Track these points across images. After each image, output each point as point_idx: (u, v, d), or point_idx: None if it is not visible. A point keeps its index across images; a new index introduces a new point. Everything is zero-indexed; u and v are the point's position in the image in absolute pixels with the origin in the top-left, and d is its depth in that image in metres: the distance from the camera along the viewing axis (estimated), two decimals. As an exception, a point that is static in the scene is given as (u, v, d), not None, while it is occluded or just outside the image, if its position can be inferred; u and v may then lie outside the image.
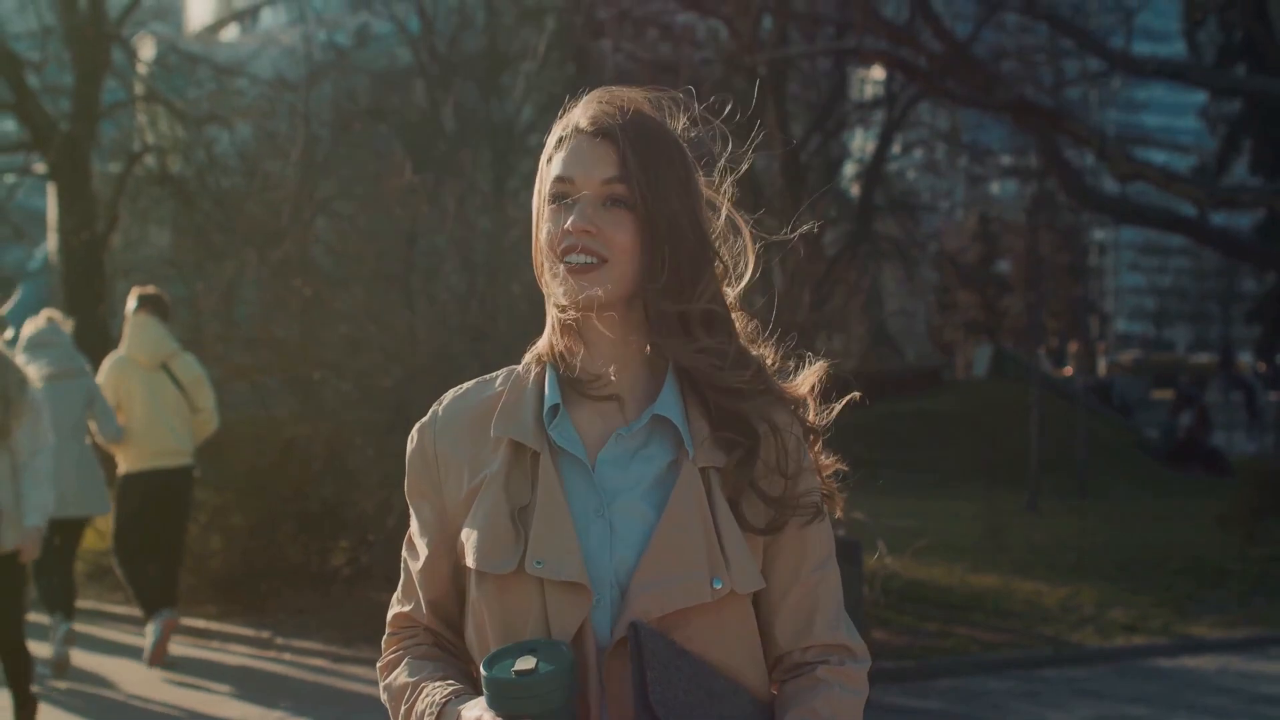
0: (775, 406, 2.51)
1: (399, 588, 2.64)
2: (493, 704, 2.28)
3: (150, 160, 25.21)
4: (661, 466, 2.44)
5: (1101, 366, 53.36)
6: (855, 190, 43.37)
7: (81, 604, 11.91)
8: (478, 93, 32.98)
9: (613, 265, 2.42)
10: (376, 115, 34.56)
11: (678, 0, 18.99)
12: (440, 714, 2.40)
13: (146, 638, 10.69)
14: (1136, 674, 11.22)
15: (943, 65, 16.78)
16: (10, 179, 28.45)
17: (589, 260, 2.41)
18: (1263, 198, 16.66)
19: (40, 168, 25.98)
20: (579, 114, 2.52)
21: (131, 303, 10.78)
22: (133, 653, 11.30)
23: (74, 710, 9.57)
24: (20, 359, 9.51)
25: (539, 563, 2.34)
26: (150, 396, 10.43)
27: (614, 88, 2.57)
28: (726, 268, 2.57)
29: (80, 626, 11.33)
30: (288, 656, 11.33)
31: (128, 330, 10.72)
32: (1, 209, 29.19)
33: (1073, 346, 53.74)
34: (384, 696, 2.58)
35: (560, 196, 2.45)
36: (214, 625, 12.19)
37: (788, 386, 2.58)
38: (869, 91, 42.27)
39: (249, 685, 10.36)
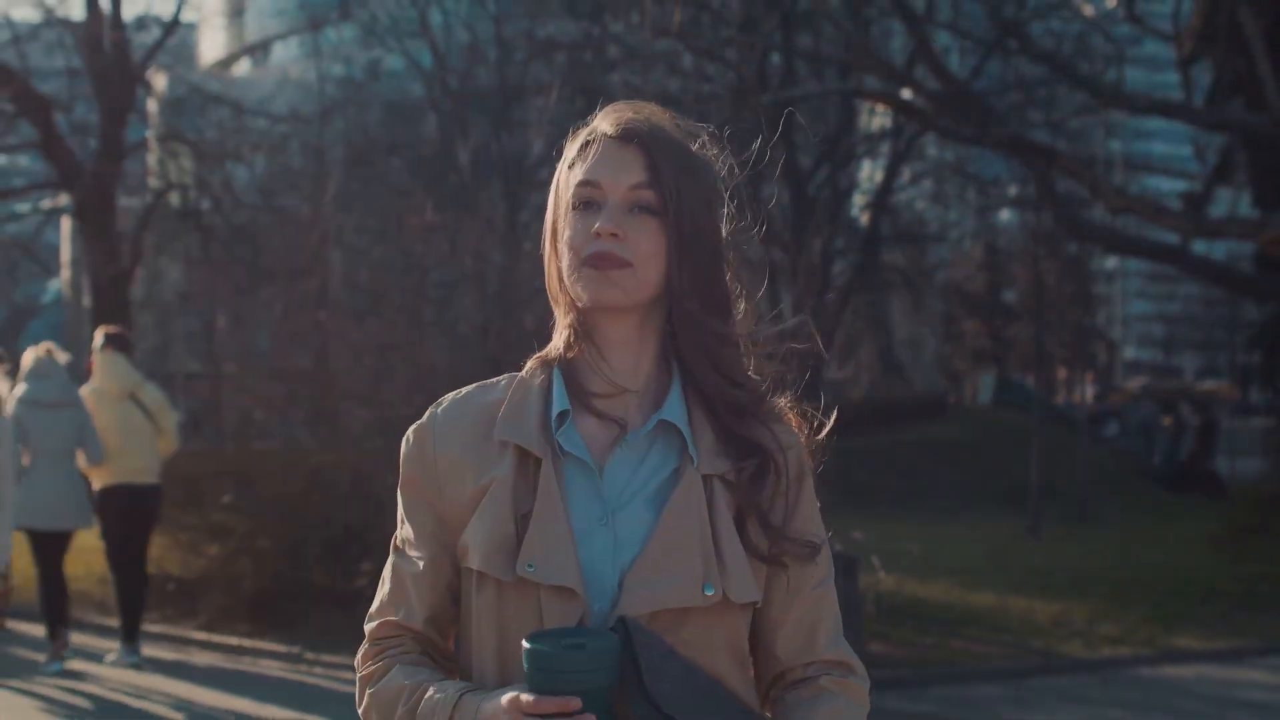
0: (781, 428, 2.53)
1: (383, 597, 2.57)
2: (533, 679, 2.23)
3: (174, 197, 25.82)
4: (666, 473, 2.45)
5: (1089, 393, 53.64)
6: (866, 220, 43.76)
7: (115, 622, 12.62)
8: (489, 127, 33.49)
9: (637, 270, 2.41)
10: (390, 149, 35.06)
11: (683, 43, 19.55)
12: (457, 704, 2.35)
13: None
14: (1120, 682, 11.85)
15: (940, 104, 17.37)
16: (38, 217, 29.15)
17: (614, 263, 2.40)
18: (1248, 230, 17.23)
19: (53, 202, 26.70)
20: (603, 121, 2.51)
21: (99, 340, 11.80)
22: (166, 666, 11.97)
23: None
24: (20, 387, 10.97)
25: (530, 566, 2.34)
26: (122, 422, 11.52)
27: (632, 102, 2.57)
28: (741, 287, 2.58)
29: (104, 643, 12.18)
30: (318, 670, 11.95)
31: (96, 365, 11.73)
32: (28, 246, 29.94)
33: (1060, 374, 53.98)
34: (367, 706, 2.50)
35: (586, 201, 2.44)
36: (246, 642, 12.83)
37: (786, 413, 2.58)
38: (876, 123, 42.65)
39: (282, 695, 10.99)
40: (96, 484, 11.60)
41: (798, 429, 2.57)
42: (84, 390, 11.68)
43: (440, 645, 2.55)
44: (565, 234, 2.46)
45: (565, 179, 2.50)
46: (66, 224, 36.98)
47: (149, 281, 32.37)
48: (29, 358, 11.43)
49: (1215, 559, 17.32)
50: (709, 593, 2.36)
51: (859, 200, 46.54)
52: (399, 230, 17.80)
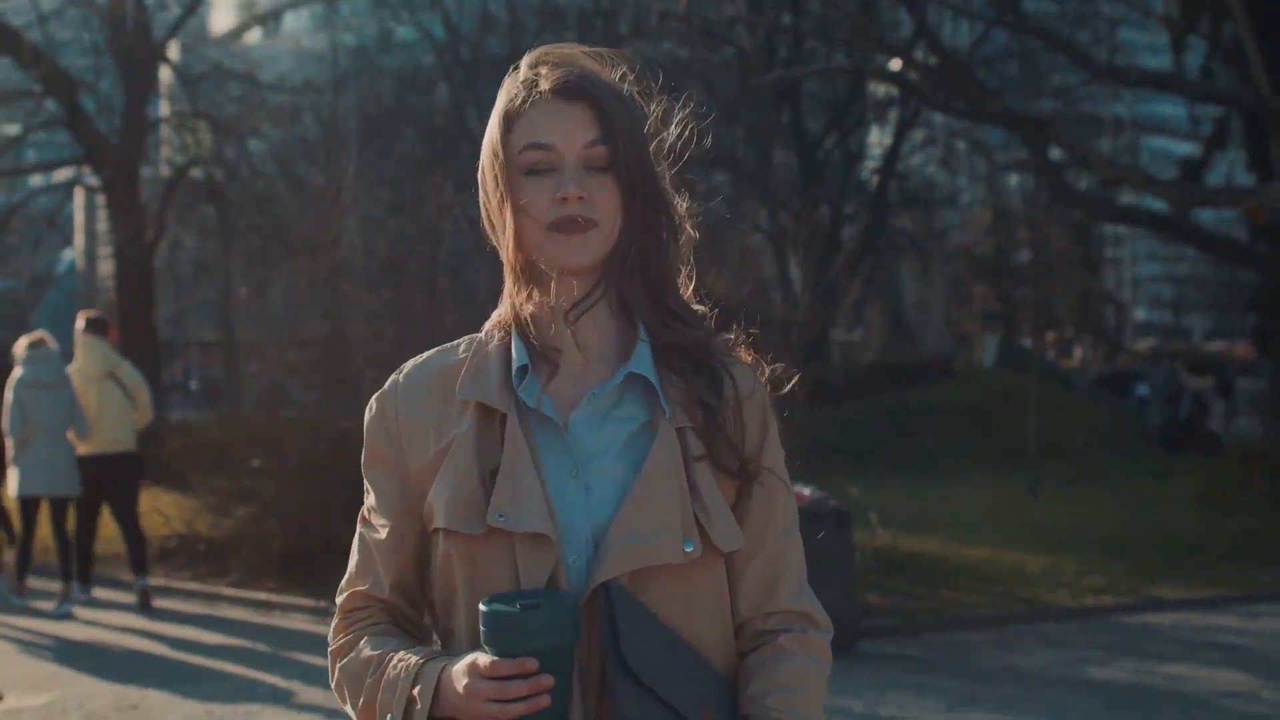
0: (740, 371, 2.50)
1: (351, 569, 2.54)
2: (490, 640, 2.21)
3: (195, 171, 26.43)
4: (635, 426, 2.41)
5: (1077, 355, 54.07)
6: (875, 184, 44.06)
7: (151, 581, 13.84)
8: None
9: (601, 229, 2.38)
10: (402, 119, 35.50)
11: (688, 25, 20.15)
12: (419, 673, 2.33)
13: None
14: (1100, 628, 12.53)
15: (938, 80, 17.96)
16: (60, 191, 29.78)
17: (583, 226, 2.37)
18: (1235, 199, 17.75)
19: (77, 171, 27.27)
20: (539, 77, 2.43)
21: (80, 325, 13.28)
22: (206, 621, 12.73)
23: (158, 666, 10.91)
24: (18, 371, 12.54)
25: (500, 515, 2.31)
26: (101, 398, 13.04)
27: (551, 48, 2.50)
28: (684, 229, 2.54)
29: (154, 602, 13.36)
30: (344, 622, 12.66)
31: (78, 348, 13.18)
32: (51, 220, 30.63)
33: (1050, 337, 54.35)
34: (338, 680, 2.49)
35: (541, 165, 2.38)
36: (275, 597, 13.56)
37: (741, 351, 2.56)
38: (884, 90, 42.93)
39: (310, 644, 11.70)
40: (78, 451, 12.94)
41: (753, 363, 2.55)
42: (69, 369, 13.06)
43: (409, 613, 2.53)
44: (522, 200, 2.39)
45: (509, 141, 2.42)
46: (80, 195, 37.61)
47: (166, 250, 33.01)
48: (23, 344, 12.91)
49: (1204, 515, 17.89)
50: (689, 549, 2.33)
51: (869, 165, 46.98)
52: (414, 202, 18.32)
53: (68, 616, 12.78)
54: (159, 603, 13.44)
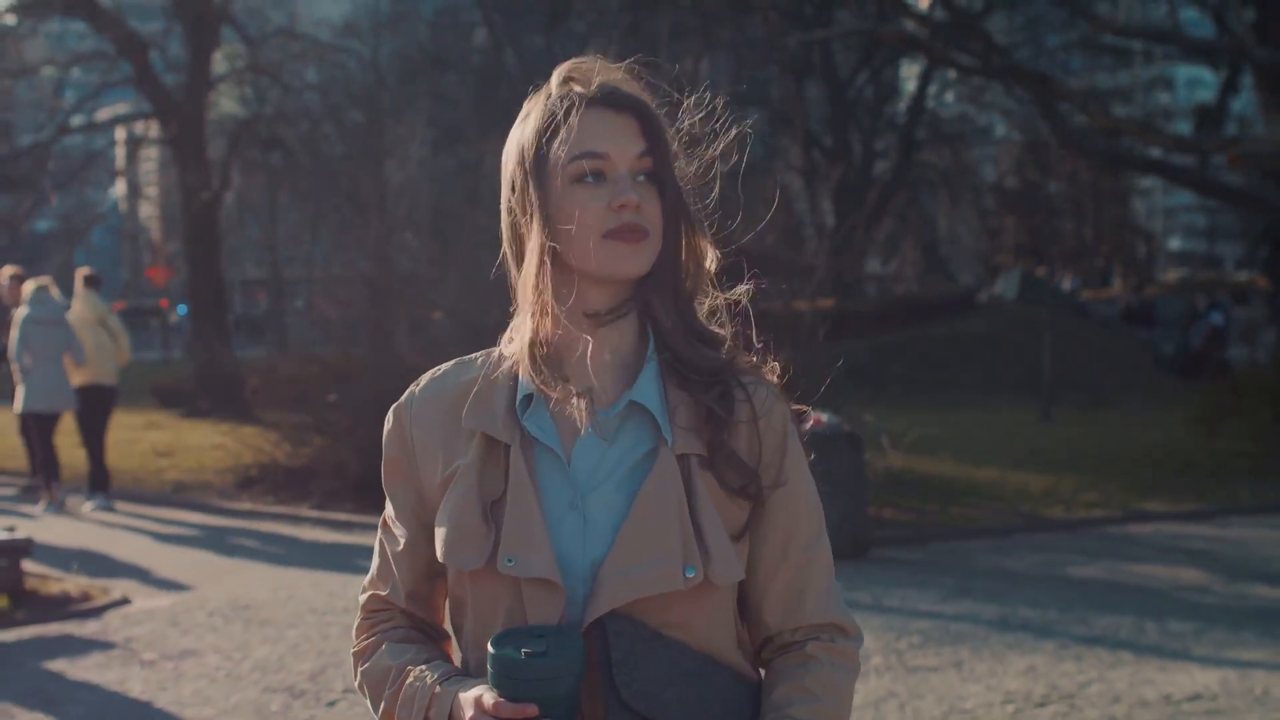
0: (758, 389, 2.44)
1: (373, 570, 2.58)
2: (497, 683, 2.22)
3: (260, 128, 27.85)
4: (638, 455, 2.37)
5: (1066, 285, 54.99)
6: (905, 119, 44.75)
7: (238, 505, 16.17)
8: (542, 41, 34.76)
9: (652, 238, 2.35)
10: (441, 63, 36.44)
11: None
12: (433, 696, 2.35)
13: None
14: (1087, 537, 14.01)
15: (948, 36, 19.13)
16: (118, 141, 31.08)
17: (640, 235, 2.33)
18: (1225, 146, 18.77)
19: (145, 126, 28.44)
20: (580, 87, 2.39)
21: (79, 282, 16.53)
22: (292, 539, 14.37)
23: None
24: (23, 310, 15.28)
25: (510, 560, 2.29)
26: (94, 340, 16.03)
27: (577, 62, 2.45)
28: (708, 252, 2.49)
29: (232, 522, 15.41)
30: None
31: (77, 298, 16.31)
32: (119, 171, 32.08)
33: (1040, 269, 55.11)
34: (360, 681, 2.52)
35: (594, 173, 2.33)
36: (354, 518, 15.12)
37: (763, 371, 2.49)
38: (912, 28, 43.62)
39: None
40: (75, 382, 15.81)
41: (776, 381, 2.49)
42: (69, 315, 15.73)
43: (426, 618, 2.56)
44: (574, 208, 2.32)
45: (553, 151, 2.35)
46: (121, 135, 38.90)
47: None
48: (30, 287, 15.57)
49: (1199, 438, 19.01)
50: (690, 575, 2.29)
51: (901, 102, 47.85)
52: (455, 142, 19.47)
53: (56, 513, 15.71)
54: (247, 524, 15.28)
